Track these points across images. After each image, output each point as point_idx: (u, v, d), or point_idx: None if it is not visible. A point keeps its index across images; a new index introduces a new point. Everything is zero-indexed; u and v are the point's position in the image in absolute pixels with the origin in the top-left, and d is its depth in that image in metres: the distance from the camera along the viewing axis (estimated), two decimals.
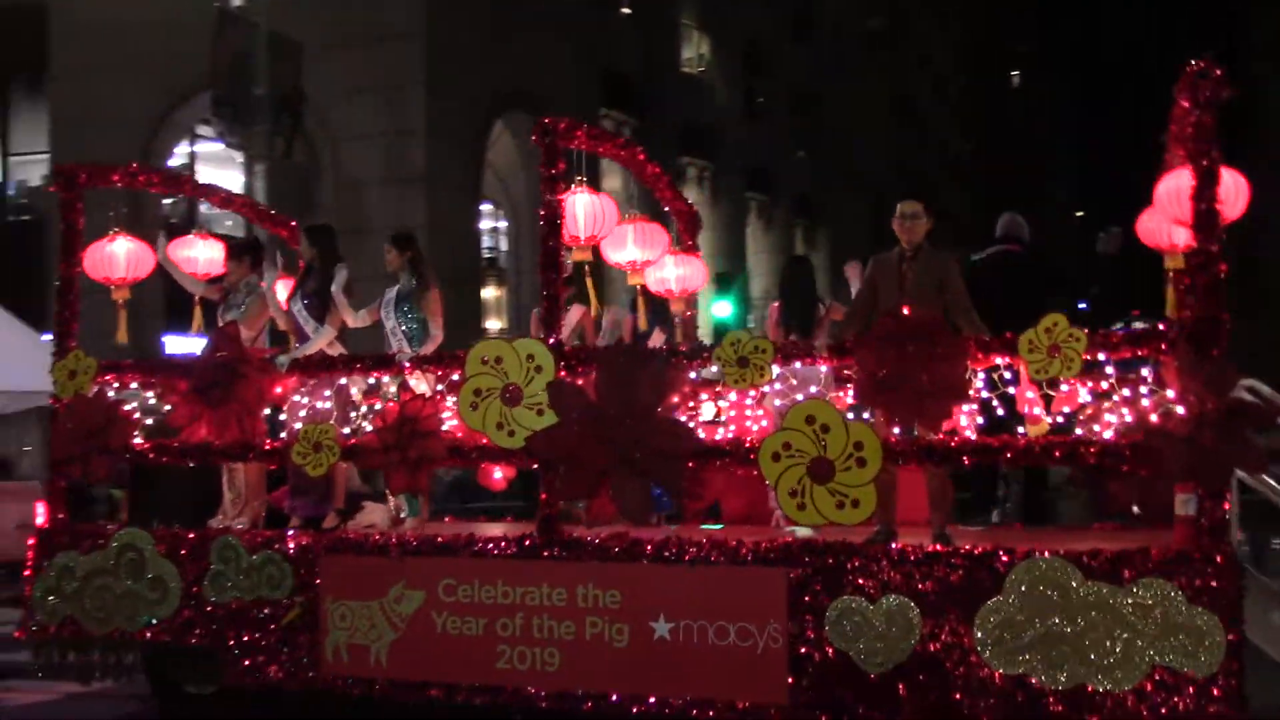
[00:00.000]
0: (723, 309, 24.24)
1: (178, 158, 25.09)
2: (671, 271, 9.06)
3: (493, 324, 26.58)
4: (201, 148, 25.26)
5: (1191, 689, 6.18)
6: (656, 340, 8.84)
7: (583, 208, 7.80)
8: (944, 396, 6.72)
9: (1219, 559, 6.25)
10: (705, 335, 26.08)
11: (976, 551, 6.59)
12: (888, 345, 6.76)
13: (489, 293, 27.41)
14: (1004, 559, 6.49)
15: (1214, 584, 6.22)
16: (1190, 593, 6.23)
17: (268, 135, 18.03)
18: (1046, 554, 6.44)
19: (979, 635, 6.46)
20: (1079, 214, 59.47)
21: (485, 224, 27.30)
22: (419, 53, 21.89)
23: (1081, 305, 10.46)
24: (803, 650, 6.72)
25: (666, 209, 9.77)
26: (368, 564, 7.45)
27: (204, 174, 25.79)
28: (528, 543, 7.24)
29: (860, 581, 6.68)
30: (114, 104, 22.68)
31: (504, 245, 28.47)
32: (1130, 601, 6.30)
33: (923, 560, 6.64)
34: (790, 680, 6.73)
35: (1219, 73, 6.59)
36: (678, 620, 6.91)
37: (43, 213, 20.56)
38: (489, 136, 24.60)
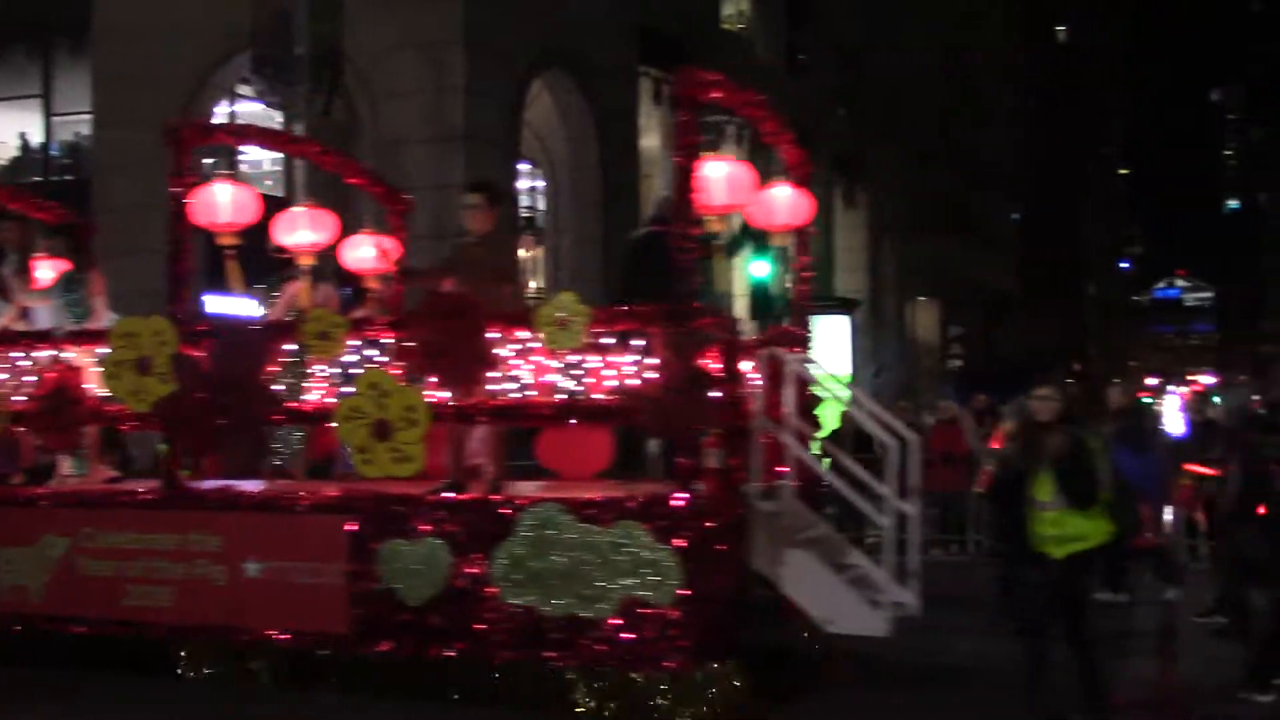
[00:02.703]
0: (760, 269, 24.39)
1: (218, 118, 25.42)
2: (366, 251, 10.02)
3: (531, 284, 26.71)
4: (241, 108, 25.56)
5: (654, 618, 7.11)
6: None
7: (225, 197, 8.80)
8: (474, 364, 7.64)
9: (675, 504, 7.11)
10: (741, 295, 26.55)
11: (494, 500, 7.55)
12: (429, 320, 7.71)
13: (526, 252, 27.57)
14: (515, 506, 7.45)
15: (674, 526, 7.12)
16: (655, 534, 7.12)
17: (307, 94, 18.17)
18: (547, 501, 7.39)
19: (495, 571, 7.44)
20: (1122, 171, 58.65)
21: (523, 183, 27.55)
22: (458, 10, 21.63)
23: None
24: (360, 586, 7.74)
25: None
26: (25, 515, 8.64)
27: None
28: (151, 495, 8.35)
29: (404, 526, 7.68)
30: (155, 64, 22.82)
31: (541, 204, 28.87)
32: (610, 541, 7.23)
33: (451, 508, 7.62)
34: (349, 612, 7.76)
35: (696, 75, 7.43)
36: (265, 561, 7.98)
37: (86, 172, 21.05)
38: (528, 95, 24.77)
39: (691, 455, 7.29)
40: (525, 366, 7.65)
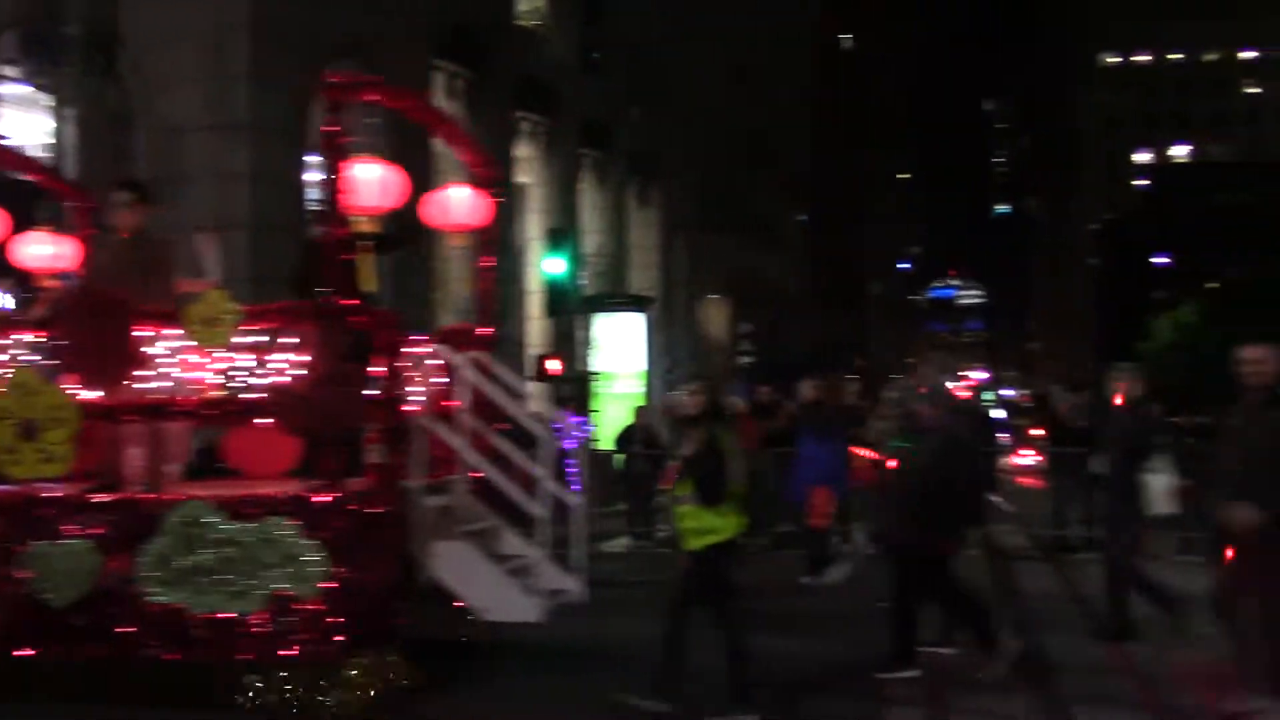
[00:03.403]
0: (555, 265, 24.48)
1: None
2: (40, 249, 9.78)
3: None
4: (6, 89, 24.68)
5: (302, 611, 7.17)
6: None
7: None
8: (119, 362, 7.56)
9: (320, 500, 7.19)
10: (535, 292, 26.40)
11: (140, 499, 7.50)
12: (70, 317, 7.61)
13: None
14: (162, 504, 7.41)
15: (319, 521, 7.20)
16: (301, 529, 7.19)
17: (78, 77, 17.54)
18: (195, 499, 7.38)
19: (142, 571, 7.39)
20: (901, 176, 60.94)
21: (311, 175, 27.03)
22: None
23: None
24: (4, 589, 7.55)
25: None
26: None
27: (8, 117, 25.42)
28: None
29: (49, 528, 7.56)
30: None
31: None
32: (259, 537, 7.26)
33: (98, 508, 7.53)
34: None
35: (342, 78, 7.54)
36: None
37: None
38: (317, 84, 24.18)
39: (339, 451, 7.37)
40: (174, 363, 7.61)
